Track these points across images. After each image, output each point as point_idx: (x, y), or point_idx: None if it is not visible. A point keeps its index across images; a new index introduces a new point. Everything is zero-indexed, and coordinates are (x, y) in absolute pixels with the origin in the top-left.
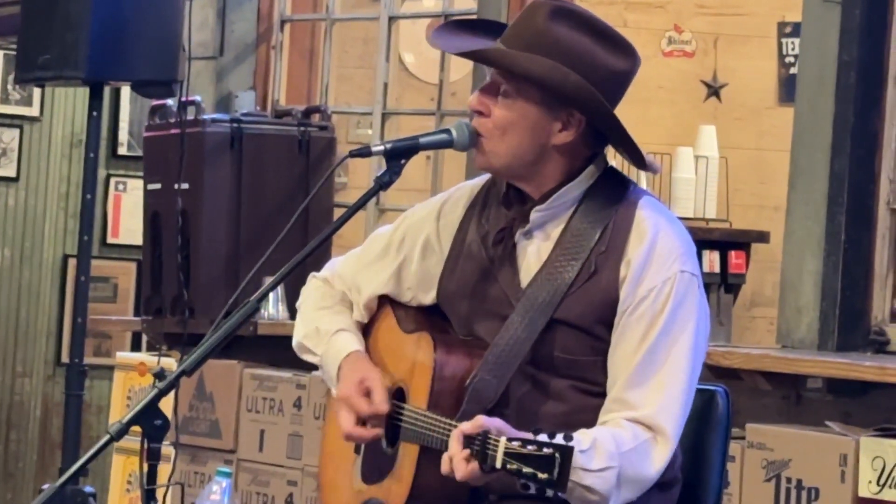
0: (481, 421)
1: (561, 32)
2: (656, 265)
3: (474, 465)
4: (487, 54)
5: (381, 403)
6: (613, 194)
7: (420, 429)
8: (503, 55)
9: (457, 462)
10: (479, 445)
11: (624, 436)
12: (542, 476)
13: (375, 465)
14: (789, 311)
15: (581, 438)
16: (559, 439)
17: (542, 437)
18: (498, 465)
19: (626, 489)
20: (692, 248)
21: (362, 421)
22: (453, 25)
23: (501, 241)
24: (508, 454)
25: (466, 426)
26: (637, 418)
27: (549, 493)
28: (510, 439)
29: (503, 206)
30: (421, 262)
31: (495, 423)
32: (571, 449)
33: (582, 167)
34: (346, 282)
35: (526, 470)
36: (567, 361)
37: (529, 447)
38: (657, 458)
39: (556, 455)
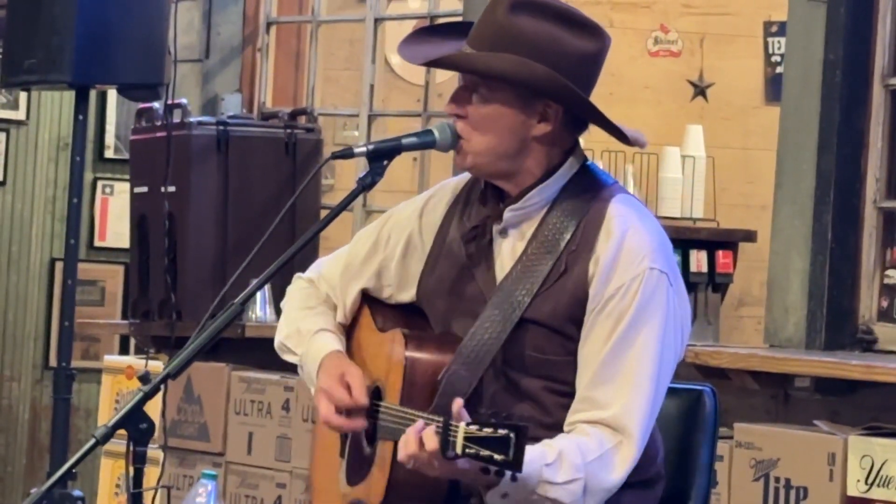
0: (459, 403)
1: (523, 24)
2: (625, 262)
3: (436, 448)
4: (451, 60)
5: (361, 397)
6: (588, 192)
7: (394, 424)
8: (467, 59)
9: (424, 439)
10: (440, 432)
11: (590, 445)
12: (498, 458)
13: (357, 466)
14: (777, 311)
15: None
16: (515, 420)
17: (498, 419)
18: (459, 450)
19: (591, 499)
20: (665, 245)
21: (343, 413)
22: (421, 33)
23: (475, 239)
24: (468, 438)
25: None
26: (602, 419)
27: (508, 475)
28: (469, 423)
29: (479, 203)
30: (402, 260)
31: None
32: (525, 428)
33: (563, 157)
34: (331, 283)
35: (483, 453)
36: (538, 361)
37: (486, 429)
38: (622, 463)
39: (511, 435)
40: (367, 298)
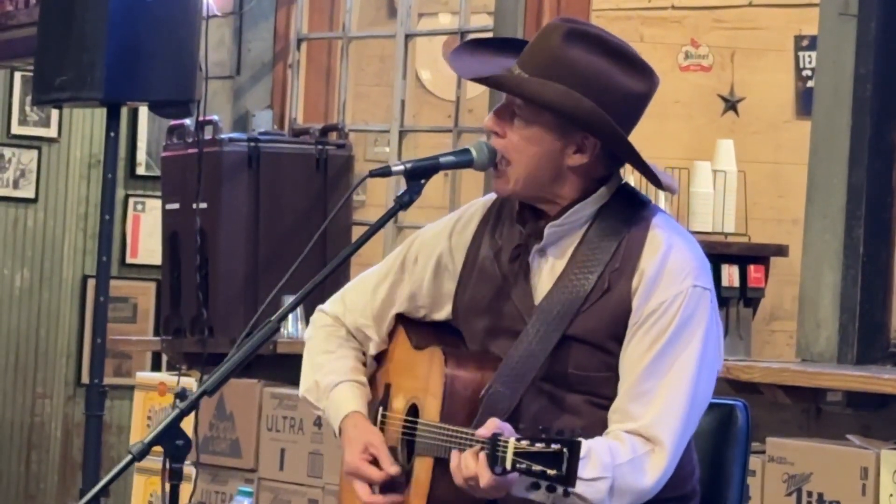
0: (495, 423)
1: (576, 55)
2: (668, 279)
3: (484, 466)
4: (500, 80)
5: (390, 467)
6: (627, 211)
7: (433, 441)
8: (516, 81)
9: (466, 461)
10: (489, 448)
11: (621, 448)
12: (550, 472)
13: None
14: (808, 325)
15: None
16: (567, 435)
17: (550, 434)
18: (508, 465)
19: (619, 500)
20: (706, 264)
21: (379, 486)
22: (473, 44)
23: (517, 258)
24: (518, 454)
25: (480, 430)
26: (635, 429)
27: (559, 489)
28: (519, 439)
29: (517, 223)
30: (433, 281)
31: (508, 426)
32: (579, 443)
33: (598, 184)
34: (363, 314)
35: (535, 468)
36: (581, 378)
37: (538, 444)
38: (653, 470)
39: (564, 450)
40: (401, 316)
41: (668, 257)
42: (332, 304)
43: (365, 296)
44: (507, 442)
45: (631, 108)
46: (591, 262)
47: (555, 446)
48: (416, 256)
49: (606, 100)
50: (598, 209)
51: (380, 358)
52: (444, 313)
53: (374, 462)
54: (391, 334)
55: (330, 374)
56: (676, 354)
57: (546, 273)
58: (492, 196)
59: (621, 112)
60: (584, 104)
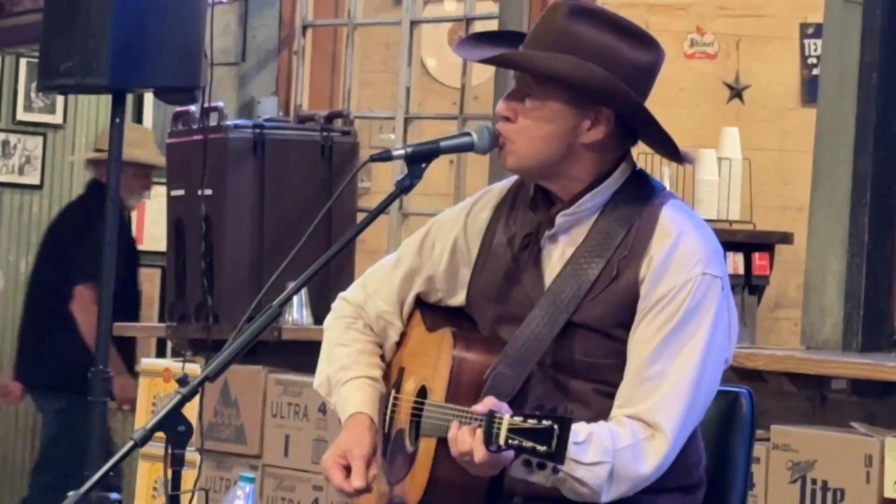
0: (492, 400)
1: (581, 30)
2: (677, 266)
3: (479, 442)
4: (511, 57)
5: (355, 481)
6: (639, 198)
7: (437, 420)
8: (527, 57)
9: (462, 436)
10: (484, 425)
11: (622, 433)
12: (541, 449)
13: (399, 465)
14: (813, 313)
15: (577, 430)
16: (560, 412)
17: (543, 412)
18: (502, 441)
19: (618, 485)
20: (718, 251)
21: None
22: (475, 37)
23: (528, 247)
24: (511, 430)
25: (476, 406)
26: (636, 414)
27: (549, 466)
28: (513, 415)
29: (530, 209)
30: (449, 266)
31: (504, 405)
32: (569, 420)
33: (612, 167)
34: (385, 299)
35: (526, 444)
36: (588, 365)
37: (530, 421)
38: (653, 456)
39: (555, 427)
40: (418, 300)
41: (678, 244)
42: (353, 291)
43: (386, 281)
44: (501, 418)
45: (641, 80)
46: (603, 245)
47: (546, 423)
48: (433, 241)
49: (617, 70)
50: (611, 196)
51: (398, 342)
52: (458, 299)
53: (348, 468)
54: (408, 318)
55: (341, 371)
56: (683, 341)
57: (556, 260)
58: (510, 181)
59: (632, 82)
60: (596, 73)
